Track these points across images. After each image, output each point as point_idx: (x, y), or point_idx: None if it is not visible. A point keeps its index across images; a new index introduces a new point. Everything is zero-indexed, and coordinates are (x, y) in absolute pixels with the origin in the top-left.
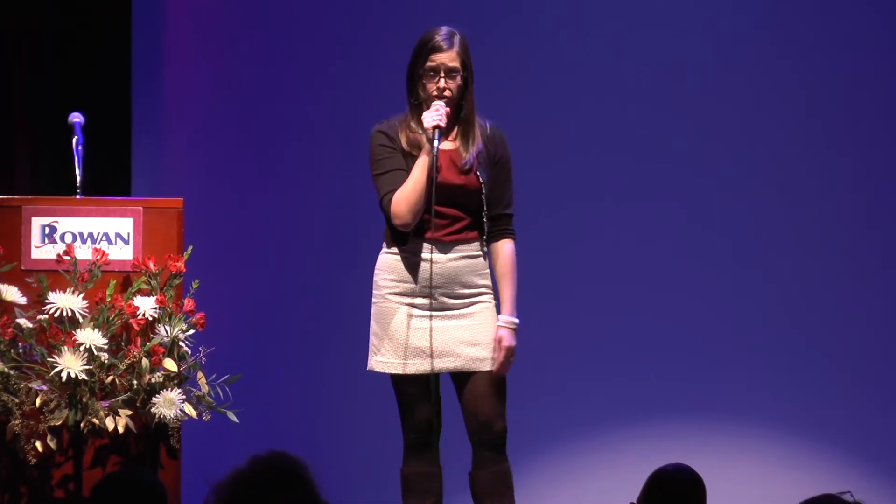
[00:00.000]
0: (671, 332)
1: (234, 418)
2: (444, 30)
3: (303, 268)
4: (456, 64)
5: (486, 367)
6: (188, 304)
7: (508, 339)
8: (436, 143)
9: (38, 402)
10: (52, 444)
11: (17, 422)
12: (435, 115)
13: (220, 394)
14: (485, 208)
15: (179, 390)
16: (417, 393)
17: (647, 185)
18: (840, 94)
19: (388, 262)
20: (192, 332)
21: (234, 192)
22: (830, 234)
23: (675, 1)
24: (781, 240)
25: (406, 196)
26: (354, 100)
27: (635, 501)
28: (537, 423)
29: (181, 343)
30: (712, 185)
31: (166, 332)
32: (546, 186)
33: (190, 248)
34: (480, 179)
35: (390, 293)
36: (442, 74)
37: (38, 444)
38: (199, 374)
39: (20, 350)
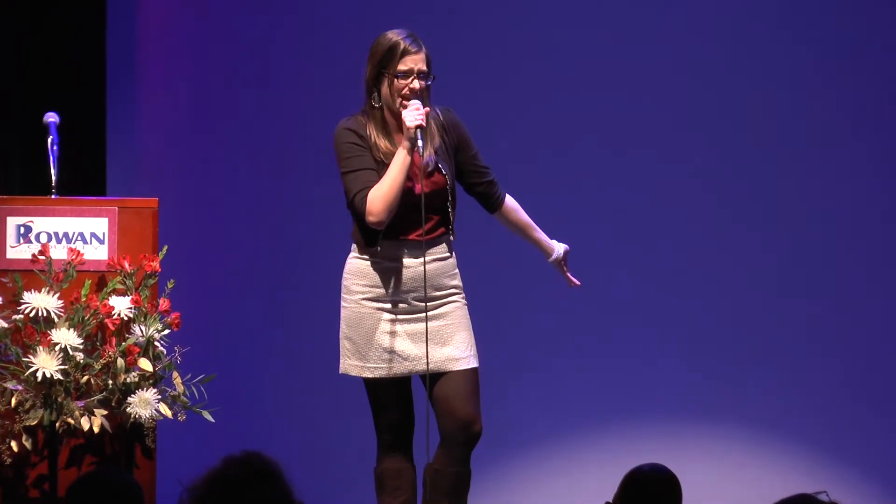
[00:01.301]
0: (650, 332)
1: (209, 418)
2: (404, 32)
3: (278, 267)
4: (425, 67)
5: (460, 366)
6: (163, 303)
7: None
8: (419, 142)
9: (13, 401)
10: (28, 444)
11: None
12: (417, 114)
13: (196, 393)
14: (449, 198)
15: (155, 390)
16: (390, 395)
17: (637, 181)
18: (839, 94)
19: (359, 266)
20: (167, 331)
21: (209, 191)
22: (824, 235)
23: None
24: (773, 239)
25: (383, 194)
26: (330, 98)
27: (611, 501)
28: (514, 422)
29: (156, 343)
30: (705, 182)
31: (141, 331)
32: (535, 182)
33: (165, 247)
34: (444, 172)
35: (363, 298)
36: (415, 76)
37: (14, 444)
38: (175, 374)
39: None
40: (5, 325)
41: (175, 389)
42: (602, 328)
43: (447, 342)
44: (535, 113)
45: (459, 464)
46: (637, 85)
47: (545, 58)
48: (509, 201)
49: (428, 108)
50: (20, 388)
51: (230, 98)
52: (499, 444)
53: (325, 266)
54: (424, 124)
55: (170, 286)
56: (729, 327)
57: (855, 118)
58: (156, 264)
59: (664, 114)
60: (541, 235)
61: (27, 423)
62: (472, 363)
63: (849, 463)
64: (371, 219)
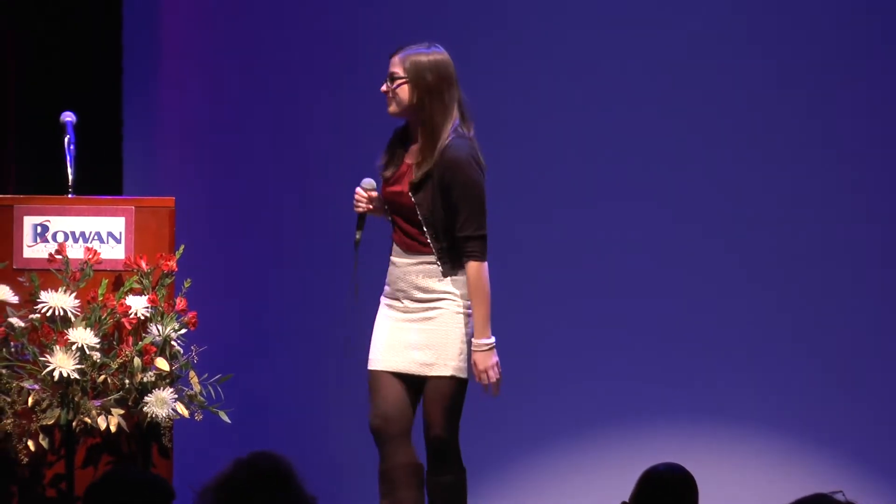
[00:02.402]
0: (665, 333)
1: (225, 418)
2: (419, 43)
3: (295, 267)
4: (395, 69)
5: (434, 372)
6: (180, 303)
7: (480, 362)
8: (357, 235)
9: (30, 401)
10: (44, 444)
11: (8, 421)
12: (357, 203)
13: (212, 393)
14: (424, 228)
15: (171, 389)
16: (376, 388)
17: (633, 188)
18: (835, 95)
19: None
20: (183, 331)
21: (226, 191)
22: (820, 235)
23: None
24: (769, 241)
25: None
26: (349, 100)
27: (627, 501)
28: (529, 423)
29: (173, 342)
30: (699, 187)
31: (158, 331)
32: (533, 191)
33: (182, 247)
34: (413, 200)
35: (382, 294)
36: (387, 78)
37: (30, 444)
38: (191, 374)
39: (12, 349)
40: (22, 325)
41: (192, 389)
42: (614, 328)
43: (425, 347)
44: (530, 124)
45: (436, 472)
46: (629, 88)
47: (538, 62)
48: (465, 270)
49: (366, 193)
50: (37, 387)
51: (247, 97)
52: (513, 445)
53: (342, 266)
54: (361, 209)
55: (186, 285)
56: (743, 327)
57: (849, 119)
58: (172, 263)
59: (657, 117)
60: (473, 318)
61: (44, 423)
62: (445, 371)
63: (865, 463)
64: None
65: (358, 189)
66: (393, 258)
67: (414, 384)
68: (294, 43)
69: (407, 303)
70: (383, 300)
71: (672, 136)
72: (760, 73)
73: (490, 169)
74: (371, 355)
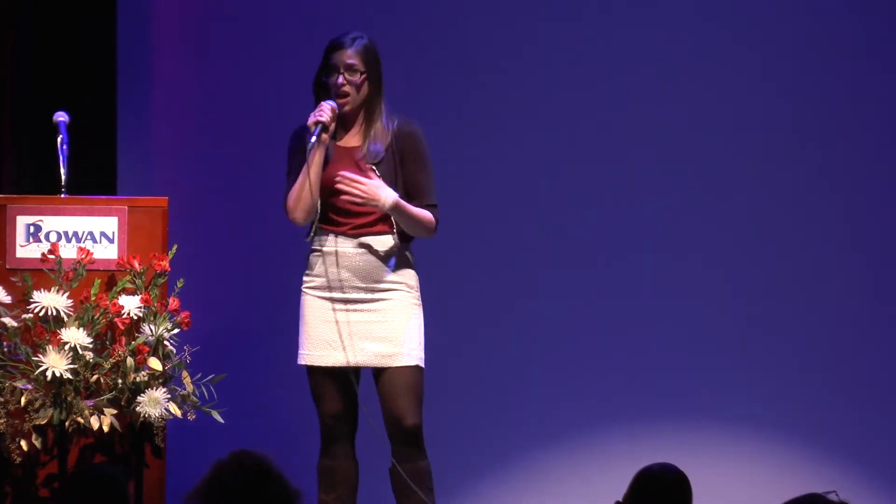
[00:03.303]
0: (658, 331)
1: (218, 418)
2: (350, 33)
3: (288, 267)
4: (354, 62)
5: (396, 363)
6: (173, 303)
7: (376, 184)
8: (313, 138)
9: (22, 401)
10: (37, 444)
11: (1, 421)
12: (317, 112)
13: (205, 393)
14: None
15: (164, 389)
16: (324, 385)
17: (632, 188)
18: (831, 96)
19: (308, 257)
20: (176, 331)
21: (220, 191)
22: (831, 235)
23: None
24: (768, 242)
25: (293, 194)
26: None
27: (621, 500)
28: (523, 423)
29: (166, 342)
30: (698, 188)
31: (151, 331)
32: (533, 191)
33: (175, 247)
34: (377, 174)
35: (306, 287)
36: (341, 71)
37: (23, 443)
38: (184, 374)
39: (5, 349)
40: (15, 325)
41: (185, 389)
42: (610, 328)
43: (383, 338)
44: (538, 113)
45: (406, 459)
46: (629, 86)
47: (538, 62)
48: None
49: (334, 105)
50: (30, 387)
51: (241, 97)
52: (506, 445)
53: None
54: (323, 119)
55: (179, 285)
56: (737, 327)
57: (845, 121)
58: (165, 263)
59: (658, 115)
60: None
61: (37, 423)
62: (409, 360)
63: (857, 463)
64: (290, 218)
65: (324, 103)
66: (326, 248)
67: (349, 379)
68: (288, 43)
69: (353, 293)
70: (311, 292)
71: (672, 137)
72: (761, 73)
73: (489, 169)
74: (307, 350)
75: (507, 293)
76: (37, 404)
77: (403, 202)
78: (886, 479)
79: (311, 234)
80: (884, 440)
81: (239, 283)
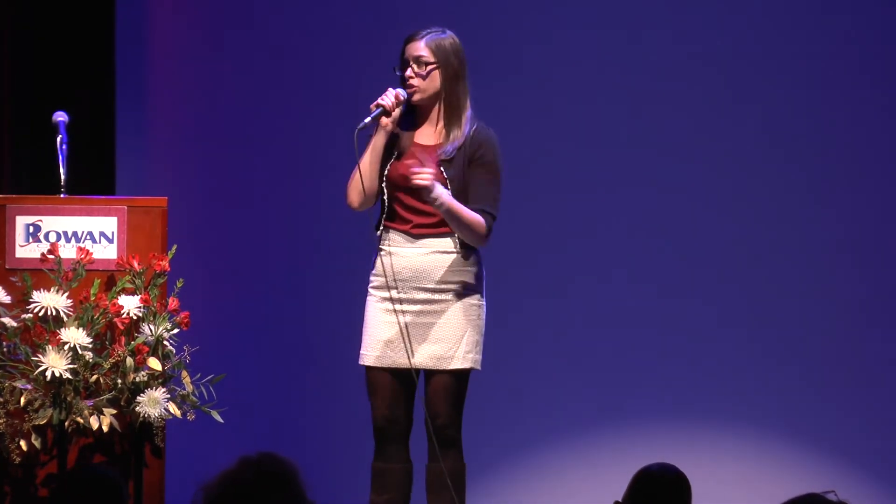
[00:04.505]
0: (658, 331)
1: (218, 418)
2: (429, 27)
3: (287, 266)
4: (423, 53)
5: (446, 365)
6: (172, 303)
7: (434, 178)
8: (367, 119)
9: (22, 400)
10: (37, 444)
11: (1, 421)
12: (382, 96)
13: (205, 393)
14: None
15: (164, 389)
16: (378, 386)
17: (631, 189)
18: (831, 96)
19: (375, 258)
20: (176, 331)
21: (219, 190)
22: (833, 235)
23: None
24: (767, 242)
25: (351, 179)
26: (340, 99)
27: (620, 501)
28: (522, 422)
29: (165, 342)
30: (696, 189)
31: (150, 331)
32: (532, 192)
33: (174, 247)
34: (445, 176)
35: (371, 287)
36: (410, 63)
37: (23, 443)
38: (184, 374)
39: (4, 349)
40: (15, 325)
41: (184, 389)
42: (610, 328)
43: (438, 340)
44: (532, 115)
45: (434, 458)
46: (633, 82)
47: (539, 54)
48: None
49: (399, 92)
50: (29, 387)
51: (240, 97)
52: (506, 444)
53: (334, 265)
54: (385, 103)
55: (179, 285)
56: (738, 328)
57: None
58: (165, 263)
59: (661, 112)
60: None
61: (36, 423)
62: (456, 364)
63: (857, 463)
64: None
65: (398, 90)
66: (392, 248)
67: (408, 379)
68: (286, 43)
69: (414, 294)
70: (374, 292)
71: (672, 137)
72: (761, 73)
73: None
74: (367, 351)
75: (505, 293)
76: (36, 404)
77: (456, 203)
78: (886, 479)
79: (378, 232)
80: (884, 440)
81: (238, 283)
